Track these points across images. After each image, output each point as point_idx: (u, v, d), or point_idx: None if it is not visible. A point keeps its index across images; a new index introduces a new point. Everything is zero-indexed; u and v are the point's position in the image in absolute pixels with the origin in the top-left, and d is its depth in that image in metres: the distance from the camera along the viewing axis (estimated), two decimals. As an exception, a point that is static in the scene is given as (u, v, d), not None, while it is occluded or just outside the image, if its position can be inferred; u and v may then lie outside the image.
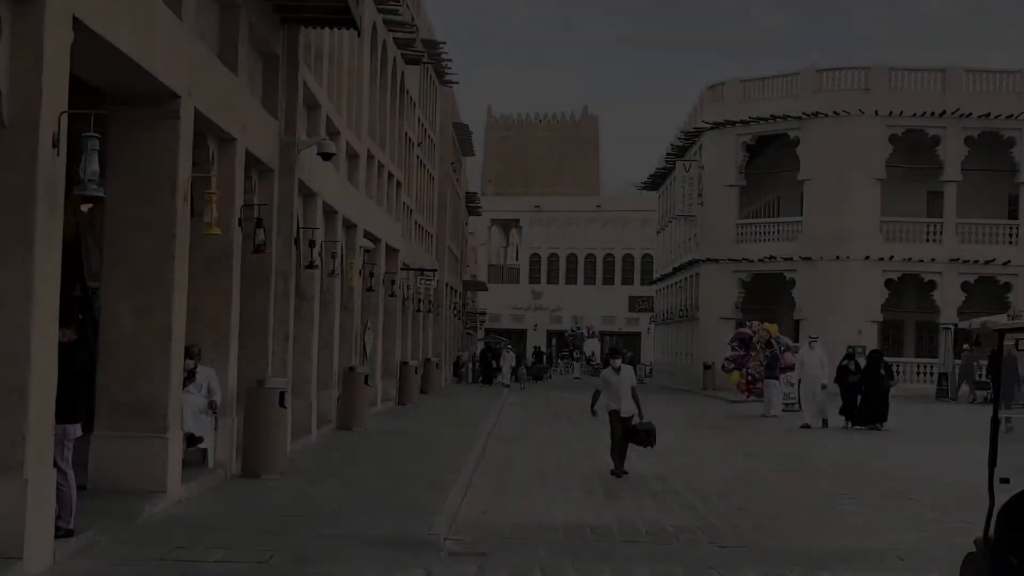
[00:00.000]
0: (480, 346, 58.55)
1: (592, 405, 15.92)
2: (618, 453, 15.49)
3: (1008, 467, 7.18)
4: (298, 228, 17.48)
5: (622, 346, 74.50)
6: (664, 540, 10.64)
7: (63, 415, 8.27)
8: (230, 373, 13.70)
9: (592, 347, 74.82)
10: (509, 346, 58.35)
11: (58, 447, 8.36)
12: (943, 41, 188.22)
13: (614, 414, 15.52)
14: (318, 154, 17.14)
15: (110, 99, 11.06)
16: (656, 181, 61.15)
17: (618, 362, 15.71)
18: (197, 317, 13.10)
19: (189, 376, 12.93)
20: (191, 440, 12.84)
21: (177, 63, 11.01)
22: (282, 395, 14.05)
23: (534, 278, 79.10)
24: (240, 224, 13.89)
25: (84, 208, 17.34)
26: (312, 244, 18.09)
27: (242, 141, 13.81)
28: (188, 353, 12.71)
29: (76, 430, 8.60)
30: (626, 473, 15.33)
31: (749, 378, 35.67)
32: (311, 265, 18.18)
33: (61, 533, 8.44)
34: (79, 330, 8.64)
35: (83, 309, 14.28)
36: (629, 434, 15.39)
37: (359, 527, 10.50)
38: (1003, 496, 7.02)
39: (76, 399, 8.58)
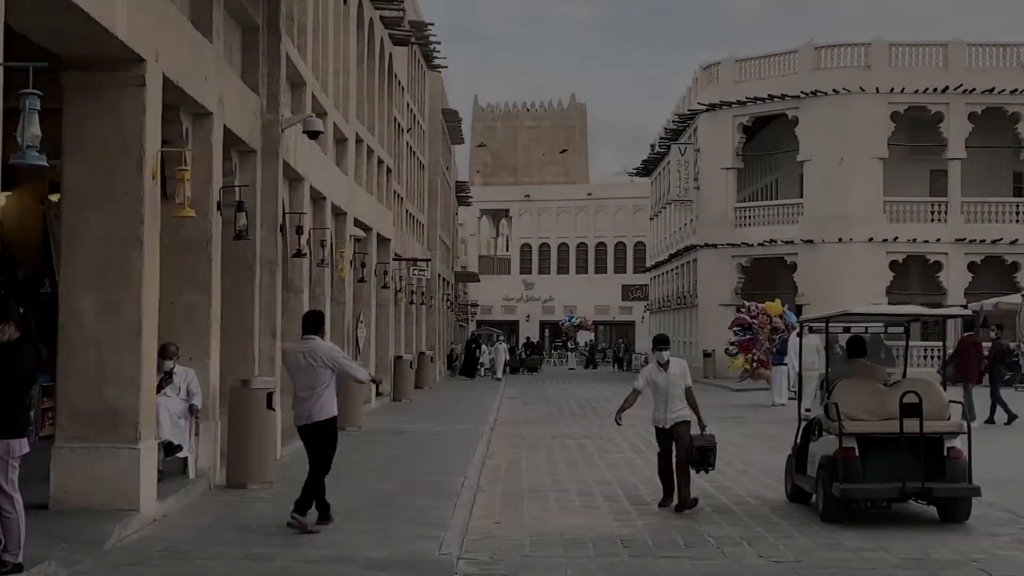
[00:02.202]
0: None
1: (620, 411, 12.11)
2: (677, 478, 11.59)
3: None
4: (284, 214, 16.13)
5: (617, 336, 73.57)
6: (707, 554, 9.34)
7: (6, 429, 6.94)
8: (212, 373, 12.33)
9: (585, 337, 73.64)
10: (502, 337, 57.03)
11: (1, 467, 7.03)
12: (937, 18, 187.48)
13: (661, 432, 11.82)
14: (304, 132, 15.82)
15: (66, 64, 9.73)
16: (648, 167, 59.87)
17: (666, 354, 11.94)
18: (173, 311, 11.81)
19: (166, 378, 11.66)
20: (169, 449, 11.57)
21: (142, 22, 9.64)
22: (270, 396, 12.70)
23: (525, 268, 77.91)
24: (219, 209, 12.54)
25: (52, 198, 16.03)
26: (300, 231, 16.74)
27: (219, 116, 12.44)
28: (164, 352, 11.46)
29: (22, 446, 7.21)
30: (695, 502, 11.45)
31: (755, 363, 34.51)
32: (299, 254, 16.85)
33: (8, 568, 7.10)
34: (22, 327, 7.25)
35: (47, 307, 12.90)
36: (687, 451, 11.49)
37: (358, 546, 9.17)
38: (805, 422, 11.87)
39: (22, 409, 7.22)
